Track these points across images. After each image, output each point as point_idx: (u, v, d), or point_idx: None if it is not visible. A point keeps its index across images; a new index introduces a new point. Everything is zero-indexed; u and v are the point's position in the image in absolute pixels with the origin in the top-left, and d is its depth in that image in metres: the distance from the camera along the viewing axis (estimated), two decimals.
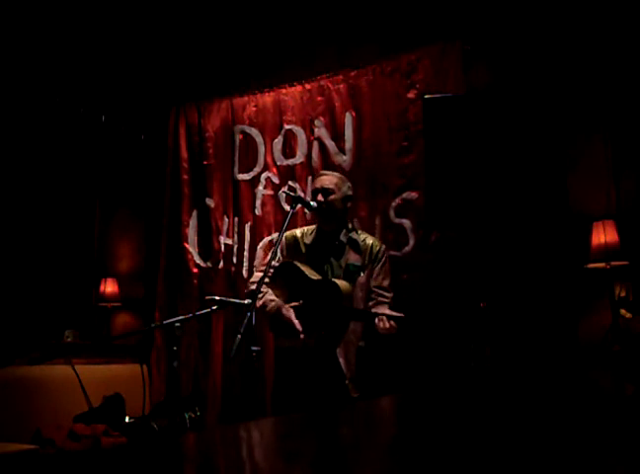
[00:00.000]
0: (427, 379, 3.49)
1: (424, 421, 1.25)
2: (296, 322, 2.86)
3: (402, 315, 2.78)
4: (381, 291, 3.04)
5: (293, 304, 2.92)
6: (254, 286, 3.00)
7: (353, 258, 3.02)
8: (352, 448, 0.94)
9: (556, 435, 0.95)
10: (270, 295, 3.00)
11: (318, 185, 3.07)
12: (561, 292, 3.44)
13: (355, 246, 3.05)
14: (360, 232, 3.19)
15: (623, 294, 3.38)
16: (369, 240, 3.09)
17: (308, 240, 3.10)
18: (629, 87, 3.51)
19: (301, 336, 2.84)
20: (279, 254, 3.06)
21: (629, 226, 3.41)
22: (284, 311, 2.91)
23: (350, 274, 2.98)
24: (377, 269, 3.04)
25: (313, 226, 3.18)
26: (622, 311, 3.30)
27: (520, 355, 3.33)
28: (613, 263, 3.32)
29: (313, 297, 2.90)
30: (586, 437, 0.96)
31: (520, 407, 1.38)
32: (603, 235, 3.34)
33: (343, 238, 3.05)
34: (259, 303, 2.93)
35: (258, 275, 3.13)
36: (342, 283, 2.87)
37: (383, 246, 3.14)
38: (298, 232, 3.16)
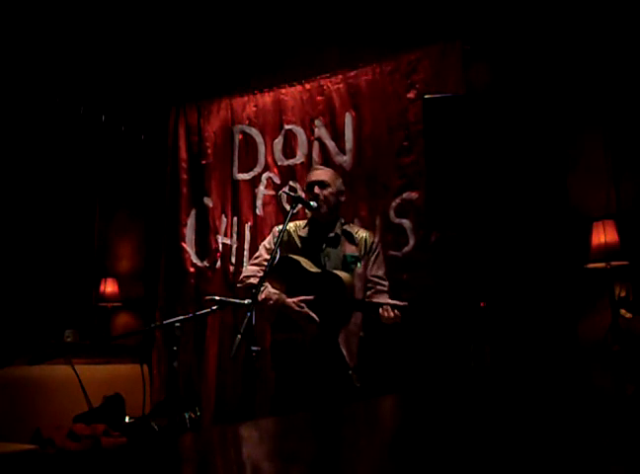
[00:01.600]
0: (427, 379, 3.49)
1: (423, 421, 1.25)
2: (313, 314, 2.88)
3: (406, 304, 2.83)
4: (378, 280, 3.12)
5: (305, 298, 2.93)
6: (250, 281, 3.06)
7: (349, 249, 3.10)
8: (350, 449, 0.94)
9: (556, 435, 0.95)
10: (271, 288, 3.01)
11: (314, 178, 3.15)
12: (561, 292, 3.43)
13: (349, 238, 3.13)
14: (352, 225, 3.31)
15: (623, 294, 3.37)
16: (362, 233, 3.20)
17: (303, 233, 3.15)
18: (629, 87, 3.51)
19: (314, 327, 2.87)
20: (278, 251, 3.07)
21: (629, 226, 3.40)
22: (295, 306, 2.92)
23: (347, 264, 3.05)
24: (372, 259, 3.13)
25: (305, 220, 3.23)
26: (622, 311, 3.30)
27: (521, 354, 3.33)
28: (613, 263, 3.31)
29: (315, 290, 2.92)
30: (586, 437, 0.96)
31: (521, 407, 1.37)
32: (603, 235, 3.34)
33: (337, 230, 3.13)
34: (261, 296, 2.94)
35: (250, 268, 3.17)
36: (343, 275, 2.92)
37: (376, 237, 3.29)
38: (292, 226, 3.19)
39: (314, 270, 2.97)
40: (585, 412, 1.29)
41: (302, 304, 2.91)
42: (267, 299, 2.97)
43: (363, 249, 3.12)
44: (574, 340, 3.41)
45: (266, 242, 3.25)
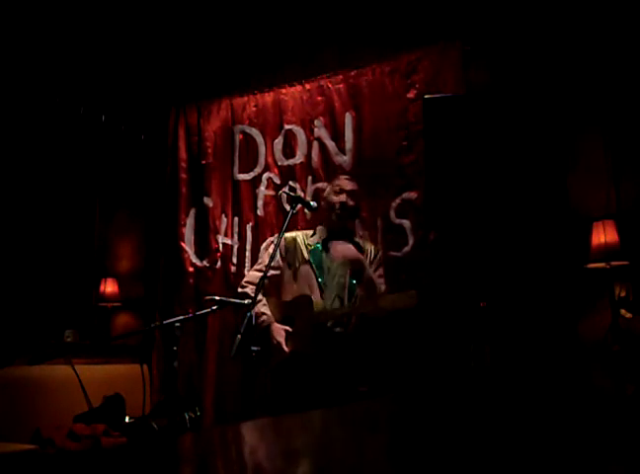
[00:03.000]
0: (427, 379, 3.49)
1: (423, 422, 1.25)
2: (285, 347, 2.89)
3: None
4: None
5: (287, 328, 2.96)
6: (248, 289, 3.08)
7: None
8: (350, 449, 0.94)
9: (556, 435, 0.95)
10: (263, 306, 3.02)
11: (344, 186, 3.18)
12: (561, 292, 3.43)
13: (359, 248, 3.15)
14: (361, 237, 3.44)
15: (623, 294, 3.37)
16: (367, 245, 3.26)
17: (311, 242, 3.19)
18: (629, 87, 3.51)
19: (284, 356, 2.89)
20: (277, 256, 3.08)
21: (629, 226, 3.40)
22: (275, 333, 2.94)
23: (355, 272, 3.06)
24: (373, 268, 3.14)
25: (312, 230, 3.27)
26: (622, 311, 3.30)
27: (521, 354, 3.33)
28: (613, 263, 3.31)
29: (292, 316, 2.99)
30: (586, 438, 0.96)
31: (520, 407, 1.37)
32: (603, 235, 3.34)
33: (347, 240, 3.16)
34: (254, 310, 2.96)
35: (252, 274, 3.18)
36: (316, 299, 2.96)
37: (380, 251, 3.31)
38: (300, 234, 3.20)
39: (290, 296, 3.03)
40: (585, 412, 1.29)
41: (282, 333, 2.93)
42: (256, 316, 2.97)
43: (368, 259, 3.15)
44: (574, 340, 3.41)
45: (270, 249, 3.28)
